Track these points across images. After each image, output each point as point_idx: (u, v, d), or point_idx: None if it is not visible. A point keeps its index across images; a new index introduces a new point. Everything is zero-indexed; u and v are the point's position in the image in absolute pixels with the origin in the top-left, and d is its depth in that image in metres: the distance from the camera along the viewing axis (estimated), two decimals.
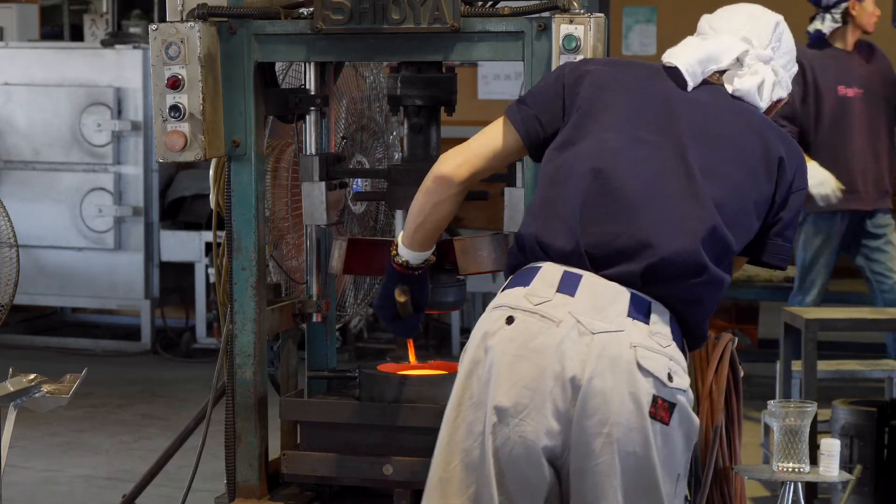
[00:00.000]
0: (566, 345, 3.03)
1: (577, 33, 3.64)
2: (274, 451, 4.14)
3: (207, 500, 4.21)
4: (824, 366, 6.52)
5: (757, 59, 3.33)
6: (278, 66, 4.17)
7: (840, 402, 5.79)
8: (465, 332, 8.78)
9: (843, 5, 7.12)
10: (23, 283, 4.48)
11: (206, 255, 9.15)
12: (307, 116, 4.14)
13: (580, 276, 3.10)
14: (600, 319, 3.05)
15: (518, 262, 3.22)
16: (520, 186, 3.88)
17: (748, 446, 5.32)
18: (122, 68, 9.25)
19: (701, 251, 3.11)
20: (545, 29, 3.71)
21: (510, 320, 3.09)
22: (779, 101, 3.39)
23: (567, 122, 3.26)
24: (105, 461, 6.69)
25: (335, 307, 4.44)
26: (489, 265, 3.89)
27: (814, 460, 4.30)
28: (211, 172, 4.17)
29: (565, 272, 3.11)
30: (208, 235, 8.95)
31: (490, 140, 3.34)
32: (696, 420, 3.14)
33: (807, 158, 6.94)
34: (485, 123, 3.40)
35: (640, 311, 3.09)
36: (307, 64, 4.15)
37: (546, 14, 3.72)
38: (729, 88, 3.31)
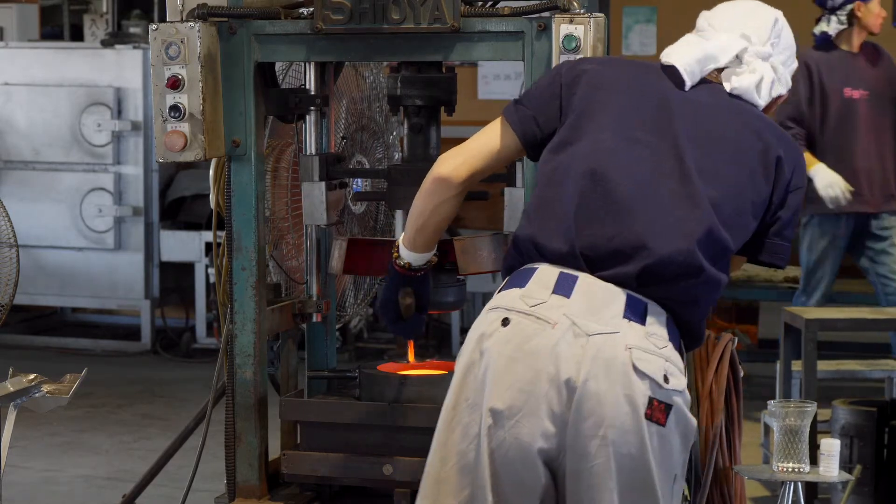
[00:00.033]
0: (561, 347, 3.03)
1: (577, 33, 3.64)
2: (274, 451, 4.14)
3: (207, 500, 4.21)
4: (824, 366, 6.52)
5: (756, 56, 3.31)
6: (278, 66, 4.17)
7: (840, 402, 5.79)
8: (465, 332, 8.76)
9: (849, 7, 7.11)
10: (23, 283, 4.49)
11: (206, 255, 9.15)
12: (307, 116, 4.14)
13: (576, 278, 3.10)
14: (596, 321, 3.05)
15: (514, 263, 3.21)
16: (520, 186, 3.88)
17: (748, 446, 5.32)
18: (122, 68, 9.25)
19: (697, 252, 3.10)
20: (545, 29, 3.71)
21: (506, 322, 3.08)
22: (778, 97, 3.38)
23: (564, 123, 3.25)
24: (105, 461, 6.69)
25: (335, 307, 4.44)
26: (489, 265, 3.89)
27: (814, 460, 4.31)
28: (211, 172, 4.17)
29: (561, 273, 3.11)
30: (208, 235, 8.95)
31: (488, 140, 3.33)
32: (693, 421, 3.13)
33: (815, 161, 7.00)
34: (485, 123, 3.39)
35: (635, 313, 3.08)
36: (307, 64, 4.15)
37: (546, 14, 3.72)
38: (727, 87, 3.30)
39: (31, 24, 10.77)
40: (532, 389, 3.03)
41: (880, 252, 7.19)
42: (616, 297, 3.08)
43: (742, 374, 3.81)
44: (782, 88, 3.38)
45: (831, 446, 4.30)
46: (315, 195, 4.06)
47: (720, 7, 3.41)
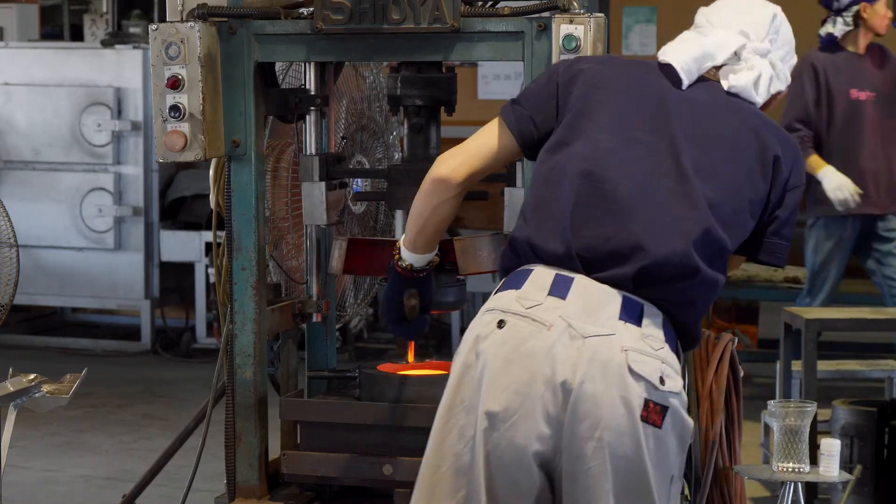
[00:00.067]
0: (557, 349, 3.02)
1: (577, 33, 3.63)
2: (274, 451, 4.14)
3: (207, 500, 4.21)
4: (824, 366, 6.52)
5: (754, 53, 3.29)
6: (278, 66, 4.17)
7: (840, 402, 5.79)
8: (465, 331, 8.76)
9: (855, 8, 7.10)
10: (23, 283, 4.48)
11: (206, 255, 9.15)
12: (307, 116, 4.14)
13: (572, 280, 3.09)
14: (591, 323, 3.04)
15: (511, 264, 3.20)
16: (520, 186, 3.88)
17: (748, 446, 5.32)
18: (122, 68, 9.25)
19: (693, 253, 3.09)
20: (545, 29, 3.71)
21: (501, 324, 3.08)
22: (777, 94, 3.36)
23: (560, 122, 3.24)
24: (105, 461, 6.69)
25: (335, 307, 4.44)
26: (489, 265, 3.89)
27: (814, 460, 4.31)
28: (211, 172, 4.17)
29: (557, 275, 3.10)
30: (208, 235, 8.95)
31: (486, 140, 3.32)
32: (690, 422, 3.12)
33: (823, 163, 6.99)
34: (485, 123, 3.39)
35: (632, 314, 3.07)
36: (307, 64, 4.15)
37: (546, 14, 3.72)
38: (725, 85, 3.28)
39: (31, 24, 10.77)
40: (528, 391, 3.02)
41: (887, 254, 7.18)
42: (612, 298, 3.07)
43: (742, 374, 3.81)
44: (781, 85, 3.36)
45: (831, 446, 4.30)
46: (315, 195, 4.06)
47: (718, 3, 3.40)
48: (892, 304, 7.11)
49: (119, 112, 9.21)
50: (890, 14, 7.22)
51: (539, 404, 3.01)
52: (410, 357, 4.08)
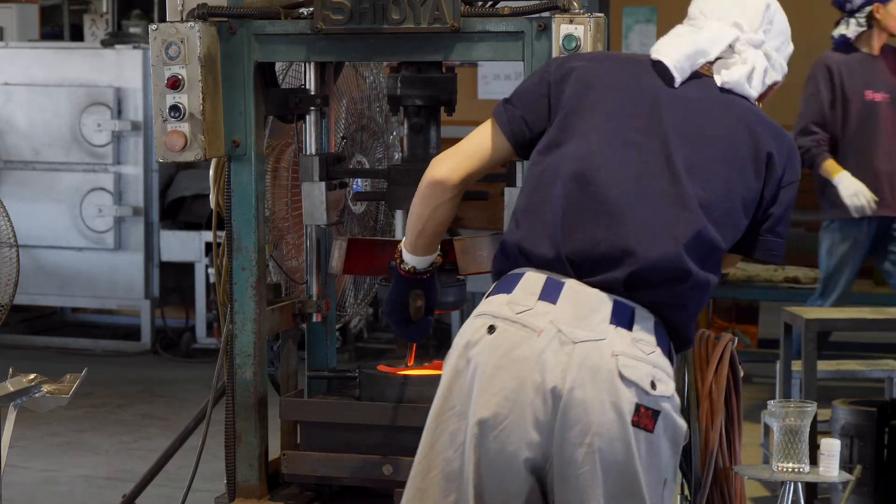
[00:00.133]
0: (547, 355, 3.01)
1: (577, 33, 3.63)
2: (274, 451, 4.14)
3: (207, 500, 4.21)
4: (824, 366, 6.51)
5: (748, 45, 3.25)
6: (278, 66, 4.17)
7: (840, 402, 5.79)
8: None
9: (868, 9, 7.08)
10: (23, 283, 4.48)
11: (206, 255, 9.15)
12: (307, 116, 4.14)
13: (562, 284, 3.07)
14: (582, 328, 3.02)
15: (503, 267, 3.18)
16: (519, 186, 3.87)
17: (748, 446, 5.31)
18: (122, 68, 9.25)
19: (684, 256, 3.07)
20: (545, 29, 3.71)
21: (492, 329, 3.06)
22: (774, 84, 3.32)
23: (552, 122, 3.21)
24: (105, 461, 6.68)
25: (335, 307, 4.44)
26: (489, 265, 3.87)
27: (814, 460, 4.30)
28: (211, 172, 4.17)
29: (548, 279, 3.08)
30: (208, 235, 8.95)
31: (481, 142, 3.29)
32: (683, 425, 3.10)
33: (839, 168, 6.98)
34: None
35: (622, 318, 3.05)
36: (307, 64, 4.15)
37: (546, 14, 3.72)
38: (718, 80, 3.24)
39: (31, 24, 10.77)
40: (517, 398, 3.00)
41: None
42: (602, 302, 3.06)
43: (742, 374, 3.81)
44: (777, 75, 3.32)
45: (831, 446, 4.30)
46: (315, 195, 4.06)
47: None
48: None
49: (119, 112, 9.21)
50: None
51: (529, 411, 3.00)
52: (411, 360, 4.07)
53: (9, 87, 9.38)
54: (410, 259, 3.45)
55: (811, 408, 4.25)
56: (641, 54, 3.31)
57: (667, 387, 3.05)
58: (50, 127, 9.30)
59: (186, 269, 9.37)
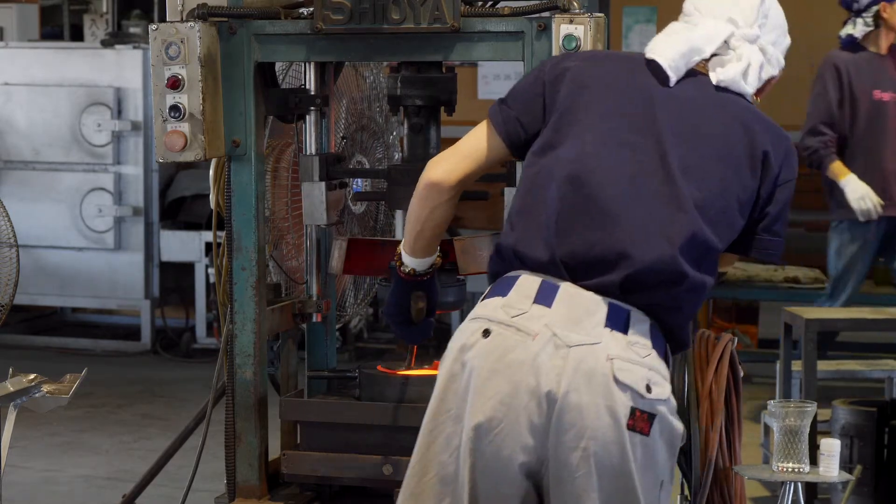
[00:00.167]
0: (542, 359, 2.99)
1: (577, 33, 3.63)
2: (274, 451, 4.14)
3: (207, 500, 4.21)
4: (824, 366, 6.51)
5: (743, 40, 3.23)
6: (278, 66, 4.17)
7: (840, 402, 5.79)
8: None
9: (875, 8, 7.08)
10: (23, 283, 4.48)
11: (206, 255, 9.15)
12: (307, 116, 4.14)
13: (557, 287, 3.06)
14: (577, 331, 3.01)
15: (498, 269, 3.17)
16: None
17: (748, 446, 5.31)
18: (122, 68, 9.25)
19: (679, 258, 3.05)
20: (545, 29, 3.70)
21: (486, 333, 3.05)
22: (770, 79, 3.30)
23: (547, 123, 3.20)
24: (105, 461, 6.69)
25: (335, 307, 4.44)
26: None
27: (814, 460, 4.30)
28: (211, 172, 4.17)
29: (543, 282, 3.07)
30: (208, 235, 8.95)
31: (477, 143, 3.28)
32: (679, 427, 3.09)
33: (846, 171, 6.97)
34: None
35: (617, 322, 3.04)
36: (307, 64, 4.15)
37: (546, 14, 3.72)
38: (713, 78, 3.22)
39: (31, 24, 10.77)
40: (511, 402, 2.99)
41: None
42: (598, 306, 3.04)
43: (742, 374, 3.81)
44: (774, 70, 3.30)
45: (831, 446, 4.30)
46: (315, 195, 4.06)
47: None
48: None
49: (119, 112, 9.21)
50: None
51: (524, 415, 2.99)
52: (412, 362, 4.06)
53: (9, 87, 9.38)
54: (410, 261, 3.44)
55: (811, 408, 4.26)
56: (636, 53, 3.30)
57: (662, 390, 3.04)
58: (50, 127, 9.30)
59: (186, 269, 9.38)
